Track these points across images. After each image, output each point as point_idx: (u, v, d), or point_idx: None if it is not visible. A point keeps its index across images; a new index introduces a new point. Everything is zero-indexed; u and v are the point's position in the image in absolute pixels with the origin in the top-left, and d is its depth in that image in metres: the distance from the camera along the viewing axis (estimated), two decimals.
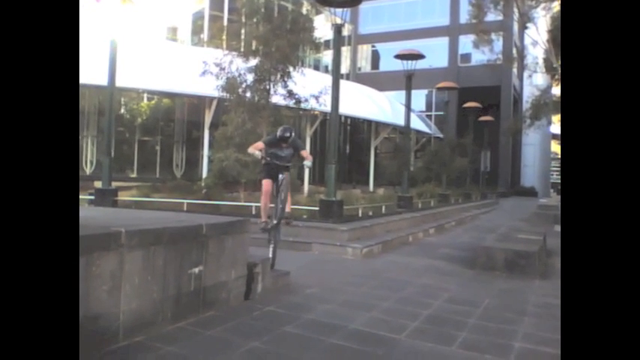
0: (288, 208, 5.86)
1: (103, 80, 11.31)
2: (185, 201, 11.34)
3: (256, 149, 5.68)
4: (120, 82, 11.47)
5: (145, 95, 20.85)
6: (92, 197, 11.22)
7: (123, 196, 11.98)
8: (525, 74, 23.02)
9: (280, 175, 5.68)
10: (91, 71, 14.02)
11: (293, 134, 5.76)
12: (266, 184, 5.72)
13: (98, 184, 11.95)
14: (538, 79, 24.63)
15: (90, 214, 4.63)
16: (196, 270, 3.86)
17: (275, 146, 5.75)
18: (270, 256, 5.38)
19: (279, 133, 5.70)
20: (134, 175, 19.66)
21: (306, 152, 5.97)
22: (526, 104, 25.70)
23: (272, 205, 5.87)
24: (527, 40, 20.13)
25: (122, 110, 20.55)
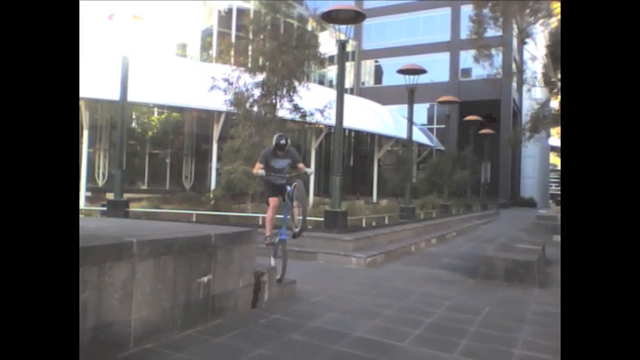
0: (296, 220, 5.90)
1: (115, 95, 11.47)
2: (194, 212, 11.44)
3: (257, 169, 5.77)
4: (131, 97, 11.59)
5: (156, 109, 21.11)
6: (104, 208, 11.35)
7: (134, 208, 12.08)
8: (524, 88, 23.14)
9: (288, 187, 5.73)
10: (103, 86, 14.27)
11: (289, 141, 5.82)
12: (273, 200, 5.79)
13: (110, 196, 12.05)
14: (537, 93, 24.79)
15: (102, 225, 4.74)
16: (205, 279, 3.93)
17: (272, 157, 5.81)
18: (279, 268, 5.36)
19: (274, 140, 5.73)
20: (145, 187, 19.83)
21: (302, 165, 6.02)
22: (525, 117, 25.81)
23: (281, 216, 5.97)
24: (526, 55, 20.26)
25: (133, 124, 20.80)
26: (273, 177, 5.72)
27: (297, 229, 5.70)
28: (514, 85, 30.72)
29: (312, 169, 6.00)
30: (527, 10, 15.81)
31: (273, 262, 5.46)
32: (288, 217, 5.83)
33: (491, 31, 18.10)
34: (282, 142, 5.64)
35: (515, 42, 25.65)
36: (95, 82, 14.91)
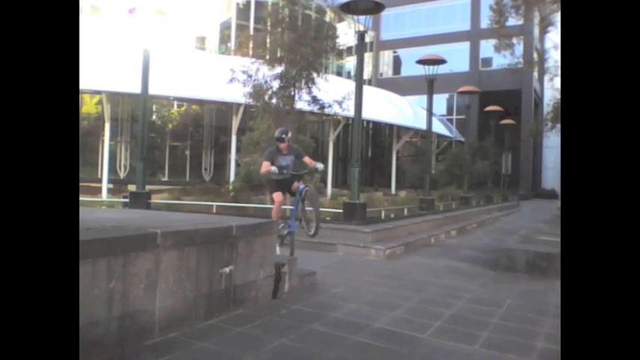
0: (309, 224, 6.04)
1: (135, 88, 11.61)
2: (214, 203, 11.59)
3: (266, 169, 5.92)
4: (151, 90, 11.70)
5: (175, 102, 21.37)
6: (127, 200, 11.54)
7: (155, 199, 12.27)
8: (546, 78, 22.79)
9: (300, 186, 5.88)
10: (124, 80, 14.48)
11: (289, 134, 5.95)
12: (277, 196, 5.96)
13: (132, 188, 12.24)
14: (559, 83, 24.40)
15: (126, 216, 4.84)
16: (227, 269, 3.99)
17: (276, 154, 5.95)
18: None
19: (276, 134, 5.96)
20: (165, 179, 20.16)
21: (308, 159, 6.14)
22: (547, 107, 25.43)
23: (291, 207, 6.12)
24: (548, 44, 19.93)
25: (154, 117, 21.08)
26: (279, 175, 5.89)
27: (311, 233, 5.87)
28: (535, 74, 30.26)
29: (322, 165, 6.11)
30: None
31: (278, 250, 5.56)
32: (298, 210, 5.97)
33: (513, 20, 17.80)
34: (283, 135, 5.84)
35: (536, 30, 25.23)
36: (116, 75, 15.13)
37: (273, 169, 5.84)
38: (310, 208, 5.99)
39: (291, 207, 6.35)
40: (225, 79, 12.26)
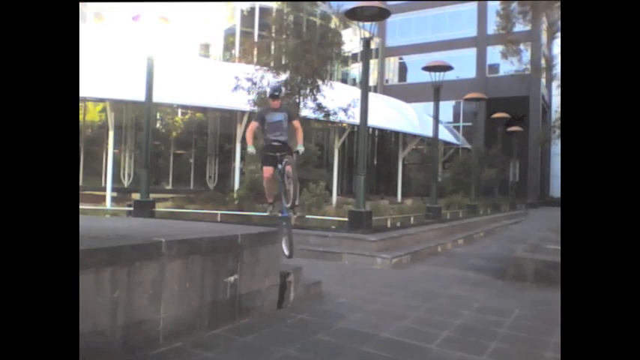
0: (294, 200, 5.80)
1: (139, 96, 11.63)
2: (218, 212, 11.56)
3: (251, 132, 5.74)
4: (155, 98, 11.69)
5: (180, 110, 21.48)
6: (131, 209, 11.54)
7: (159, 208, 12.27)
8: (554, 84, 22.70)
9: (279, 165, 5.64)
10: (128, 87, 14.55)
11: (283, 90, 5.84)
12: (266, 171, 5.71)
13: (136, 196, 12.24)
14: None
15: (131, 225, 4.83)
16: (232, 278, 3.96)
17: (267, 112, 5.76)
18: (286, 247, 5.47)
19: (268, 91, 5.80)
20: (169, 187, 20.22)
21: (297, 123, 5.92)
22: (555, 114, 25.34)
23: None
24: (555, 50, 19.89)
25: (158, 125, 21.17)
26: (267, 144, 5.69)
27: (288, 205, 5.65)
28: (543, 81, 30.19)
29: (302, 148, 5.88)
30: (558, 3, 15.45)
31: (284, 242, 5.43)
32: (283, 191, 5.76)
33: (520, 26, 17.76)
34: (276, 92, 5.67)
35: (544, 36, 25.19)
36: (120, 83, 15.21)
37: (251, 150, 5.68)
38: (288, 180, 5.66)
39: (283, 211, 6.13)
40: (230, 86, 12.30)
